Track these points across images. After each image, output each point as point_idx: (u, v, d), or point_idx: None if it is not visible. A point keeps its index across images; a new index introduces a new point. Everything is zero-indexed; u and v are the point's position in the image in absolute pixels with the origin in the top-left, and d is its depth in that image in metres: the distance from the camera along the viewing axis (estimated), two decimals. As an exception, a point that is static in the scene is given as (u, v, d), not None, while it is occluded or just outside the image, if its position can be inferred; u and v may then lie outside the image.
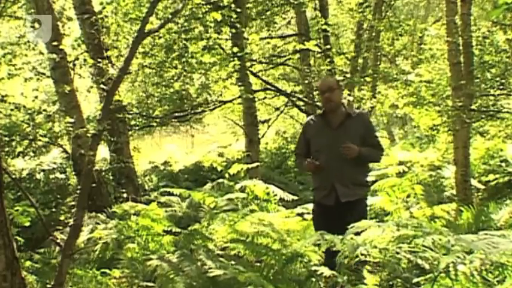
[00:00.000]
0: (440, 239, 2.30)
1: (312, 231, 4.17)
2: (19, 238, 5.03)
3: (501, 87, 8.72)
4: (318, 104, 11.28)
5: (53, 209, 7.26)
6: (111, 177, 7.94)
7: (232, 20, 7.25)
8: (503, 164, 8.42)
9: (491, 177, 8.12)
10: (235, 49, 7.61)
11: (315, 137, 3.87)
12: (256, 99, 9.65)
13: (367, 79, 10.76)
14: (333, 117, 3.83)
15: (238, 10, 7.45)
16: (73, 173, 7.61)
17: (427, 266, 2.36)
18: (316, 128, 3.90)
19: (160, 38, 8.00)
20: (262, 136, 10.31)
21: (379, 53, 12.14)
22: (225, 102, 11.06)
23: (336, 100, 3.81)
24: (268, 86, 11.02)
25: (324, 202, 3.79)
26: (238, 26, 7.45)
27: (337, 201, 3.71)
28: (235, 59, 7.69)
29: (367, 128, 3.87)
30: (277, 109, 12.79)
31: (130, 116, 9.20)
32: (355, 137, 3.75)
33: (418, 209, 6.65)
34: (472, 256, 2.24)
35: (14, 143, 6.79)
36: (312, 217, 4.08)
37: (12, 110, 6.70)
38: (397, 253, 2.33)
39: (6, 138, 6.54)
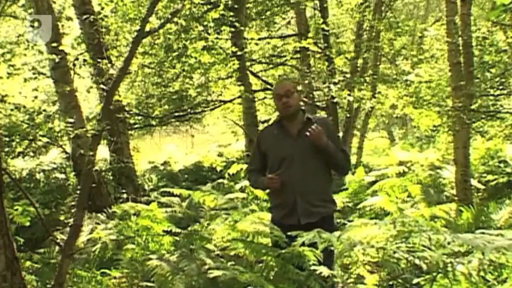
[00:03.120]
0: (437, 237, 2.30)
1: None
2: (19, 238, 5.04)
3: (501, 87, 8.72)
4: (318, 104, 11.31)
5: (53, 209, 7.26)
6: (111, 177, 7.95)
7: (231, 19, 7.26)
8: (501, 165, 8.44)
9: (490, 177, 8.14)
10: (234, 48, 7.63)
11: (273, 149, 3.38)
12: (256, 99, 9.66)
13: (367, 79, 10.77)
14: (292, 124, 3.36)
15: (236, 6, 7.46)
16: (73, 173, 7.61)
17: (424, 267, 2.36)
18: (273, 139, 3.40)
19: (159, 38, 8.02)
20: (262, 136, 10.30)
21: (379, 53, 12.14)
22: (225, 102, 11.08)
23: (294, 105, 3.33)
24: (268, 86, 11.04)
25: (284, 222, 3.25)
26: (237, 25, 7.45)
27: (300, 220, 3.23)
28: (234, 58, 7.71)
29: (330, 134, 3.35)
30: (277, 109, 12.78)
31: (129, 116, 9.21)
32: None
33: (418, 209, 6.66)
34: (470, 256, 2.25)
35: (14, 143, 6.79)
36: (272, 240, 3.41)
37: (12, 110, 6.71)
38: (395, 252, 2.33)
39: (6, 138, 6.55)
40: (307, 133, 3.19)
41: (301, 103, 3.47)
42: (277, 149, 3.36)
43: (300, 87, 3.60)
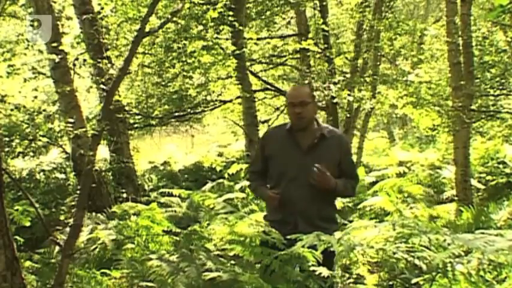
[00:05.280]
0: (437, 238, 2.30)
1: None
2: (19, 238, 5.04)
3: (501, 87, 8.72)
4: (318, 104, 11.29)
5: (53, 209, 7.26)
6: (111, 177, 7.95)
7: (230, 18, 7.27)
8: (500, 166, 8.44)
9: (489, 178, 8.14)
10: (233, 48, 7.63)
11: (278, 157, 3.10)
12: (256, 99, 9.66)
13: (367, 79, 10.77)
14: (303, 135, 3.07)
15: (235, 6, 7.47)
16: (73, 173, 7.61)
17: (424, 267, 2.36)
18: (281, 145, 3.11)
19: (158, 37, 8.02)
20: (262, 136, 10.31)
21: (379, 53, 12.13)
22: (224, 102, 11.09)
23: (308, 117, 3.05)
24: (268, 86, 11.04)
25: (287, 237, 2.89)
26: (237, 25, 7.46)
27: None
28: (232, 57, 7.72)
29: (344, 152, 3.13)
30: (277, 109, 12.80)
31: (129, 116, 9.21)
32: (330, 163, 3.02)
33: (418, 209, 6.66)
34: (469, 256, 2.25)
35: (14, 143, 6.79)
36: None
37: (12, 110, 6.71)
38: (394, 253, 2.34)
39: (6, 138, 6.55)
40: (311, 180, 2.94)
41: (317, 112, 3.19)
42: (281, 159, 3.09)
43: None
